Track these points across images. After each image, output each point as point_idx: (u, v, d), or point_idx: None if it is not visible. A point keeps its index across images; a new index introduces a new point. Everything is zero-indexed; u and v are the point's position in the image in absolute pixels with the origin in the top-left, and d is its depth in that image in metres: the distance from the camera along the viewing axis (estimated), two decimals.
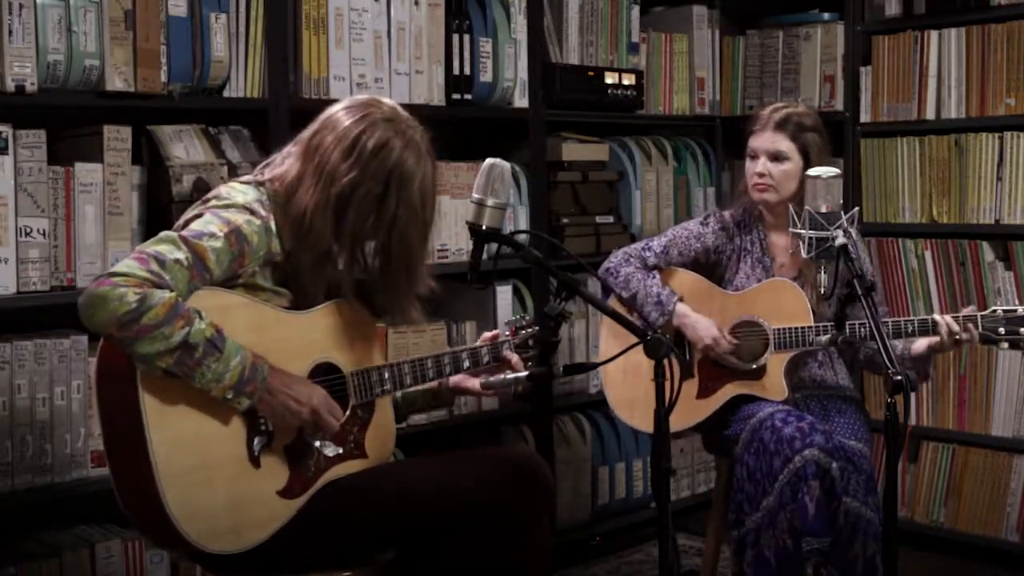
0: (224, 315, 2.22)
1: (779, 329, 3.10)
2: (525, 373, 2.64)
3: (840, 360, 3.30)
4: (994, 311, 2.98)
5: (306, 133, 2.44)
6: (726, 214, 3.31)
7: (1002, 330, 2.96)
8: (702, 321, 3.14)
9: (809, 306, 3.12)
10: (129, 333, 2.09)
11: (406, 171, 2.38)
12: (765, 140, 3.16)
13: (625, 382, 3.25)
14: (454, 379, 2.68)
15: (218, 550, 2.23)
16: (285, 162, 2.43)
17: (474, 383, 2.68)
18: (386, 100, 2.47)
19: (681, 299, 3.17)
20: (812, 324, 3.08)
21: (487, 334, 2.72)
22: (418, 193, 2.40)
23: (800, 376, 3.21)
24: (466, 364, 2.63)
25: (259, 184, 2.41)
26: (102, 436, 2.26)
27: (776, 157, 3.15)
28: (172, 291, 2.14)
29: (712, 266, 3.29)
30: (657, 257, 3.24)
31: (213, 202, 2.34)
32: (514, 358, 2.67)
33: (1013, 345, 2.97)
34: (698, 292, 3.23)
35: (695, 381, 3.18)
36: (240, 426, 2.27)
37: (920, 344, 3.04)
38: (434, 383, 2.66)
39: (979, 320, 2.97)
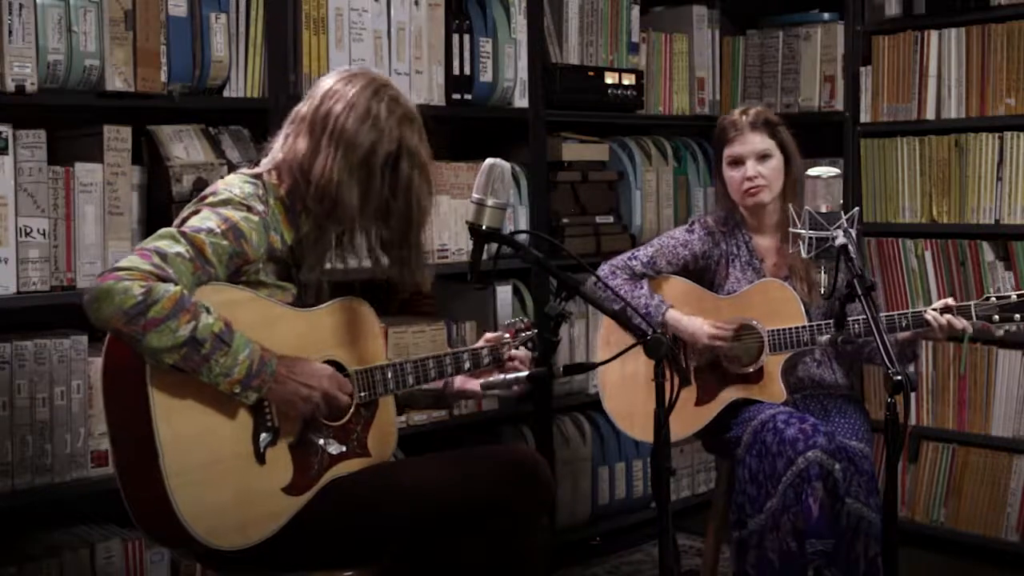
0: (230, 310, 2.23)
1: (774, 331, 3.10)
2: (525, 373, 2.63)
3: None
4: (987, 298, 2.99)
5: (305, 109, 2.44)
6: (710, 219, 3.32)
7: (996, 317, 2.97)
8: (694, 322, 3.15)
9: (802, 306, 3.12)
10: (136, 327, 2.09)
11: (410, 130, 2.42)
12: (748, 143, 3.19)
13: (623, 392, 3.25)
14: (457, 383, 2.70)
15: (224, 547, 2.23)
16: (286, 143, 2.44)
17: (475, 386, 2.69)
18: (370, 68, 2.50)
19: (671, 307, 3.17)
20: (806, 324, 3.09)
21: (489, 334, 2.72)
22: (422, 146, 2.44)
23: (799, 376, 3.21)
24: (467, 365, 2.63)
25: (257, 176, 2.41)
26: (108, 434, 2.27)
27: (763, 156, 3.18)
28: (177, 284, 2.14)
29: (701, 272, 3.29)
30: (644, 267, 3.24)
31: (210, 199, 2.34)
32: (520, 354, 2.67)
33: (1008, 333, 2.98)
34: (690, 297, 3.23)
35: (692, 389, 3.18)
36: (246, 422, 2.27)
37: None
38: (438, 385, 2.66)
39: (973, 309, 2.98)
